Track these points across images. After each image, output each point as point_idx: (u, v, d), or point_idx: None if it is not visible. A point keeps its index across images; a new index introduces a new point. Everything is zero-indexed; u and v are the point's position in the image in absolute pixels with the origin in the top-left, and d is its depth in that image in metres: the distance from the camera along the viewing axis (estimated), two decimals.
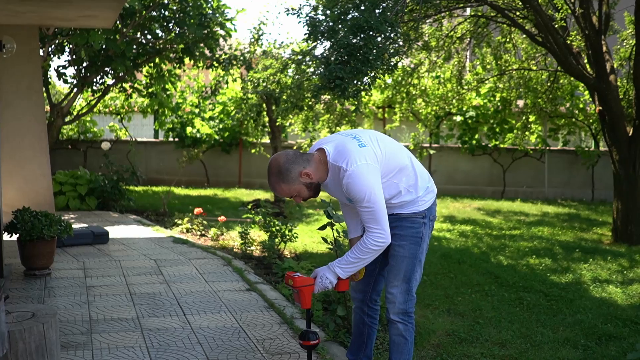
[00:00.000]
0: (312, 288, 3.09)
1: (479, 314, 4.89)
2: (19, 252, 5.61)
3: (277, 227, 6.41)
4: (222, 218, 7.86)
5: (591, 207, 11.89)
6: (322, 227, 4.22)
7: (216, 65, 11.29)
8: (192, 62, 11.17)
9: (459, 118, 13.38)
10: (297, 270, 5.26)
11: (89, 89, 11.37)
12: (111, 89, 11.60)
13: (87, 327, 4.22)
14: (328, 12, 6.61)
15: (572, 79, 10.75)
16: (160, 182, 13.55)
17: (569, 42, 8.46)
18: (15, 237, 5.57)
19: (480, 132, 13.53)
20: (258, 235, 7.35)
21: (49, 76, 11.63)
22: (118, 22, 9.61)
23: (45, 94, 11.25)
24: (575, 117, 12.89)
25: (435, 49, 9.83)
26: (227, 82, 12.19)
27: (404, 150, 3.19)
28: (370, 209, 2.93)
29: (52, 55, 10.75)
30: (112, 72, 10.96)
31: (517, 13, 8.61)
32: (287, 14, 7.14)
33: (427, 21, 9.22)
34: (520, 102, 12.76)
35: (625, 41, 9.74)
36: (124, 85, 11.77)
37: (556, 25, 8.05)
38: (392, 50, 6.39)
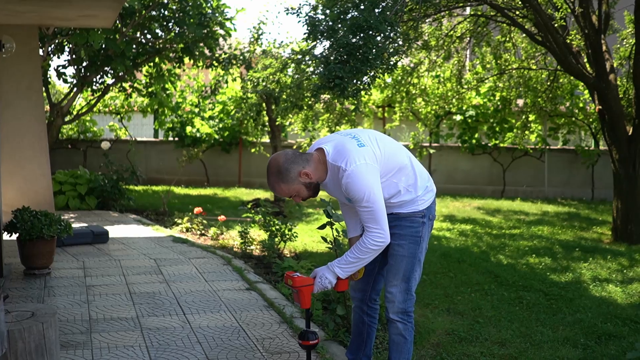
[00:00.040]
0: (312, 288, 3.09)
1: (478, 313, 4.89)
2: (19, 251, 5.61)
3: (277, 227, 6.41)
4: (221, 217, 7.86)
5: (591, 206, 11.89)
6: (322, 227, 4.22)
7: (216, 64, 11.29)
8: (191, 61, 11.17)
9: (458, 117, 13.38)
10: (297, 270, 5.26)
11: (89, 89, 11.37)
12: (111, 88, 11.60)
13: (87, 327, 4.22)
14: (327, 11, 6.61)
15: (571, 78, 10.75)
16: (160, 182, 13.56)
17: (568, 41, 8.46)
18: (15, 236, 5.57)
19: (480, 132, 13.53)
20: (258, 234, 7.35)
21: (48, 76, 11.63)
22: (118, 21, 9.61)
23: (45, 94, 11.25)
24: (575, 116, 12.89)
25: (435, 48, 9.82)
26: (226, 82, 12.19)
27: (403, 149, 3.19)
28: (370, 209, 2.93)
29: (51, 55, 10.75)
30: (112, 71, 10.96)
31: (517, 12, 8.61)
32: (287, 14, 7.14)
33: (427, 20, 9.22)
34: (520, 102, 12.76)
35: (625, 40, 9.73)
36: (123, 84, 11.77)
37: (556, 25, 8.05)
38: (391, 50, 6.39)
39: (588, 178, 13.32)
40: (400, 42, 6.88)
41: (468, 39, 10.11)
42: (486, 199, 12.63)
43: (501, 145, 13.30)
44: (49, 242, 5.57)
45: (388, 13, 6.20)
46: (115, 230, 7.82)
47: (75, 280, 5.45)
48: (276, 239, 6.40)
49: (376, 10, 6.20)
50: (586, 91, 11.20)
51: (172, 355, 3.75)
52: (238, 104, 12.09)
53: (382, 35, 6.19)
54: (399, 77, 10.76)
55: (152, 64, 11.29)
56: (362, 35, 6.00)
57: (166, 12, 10.45)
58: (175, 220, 8.51)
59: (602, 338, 4.40)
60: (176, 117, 13.88)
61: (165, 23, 10.52)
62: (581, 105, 12.83)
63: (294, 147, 12.89)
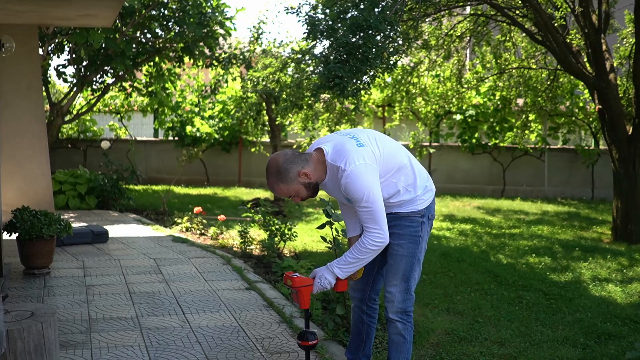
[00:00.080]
0: (311, 288, 3.09)
1: (478, 312, 4.89)
2: (19, 251, 5.61)
3: (277, 226, 6.41)
4: (221, 217, 7.86)
5: (591, 206, 11.89)
6: (321, 226, 4.22)
7: (216, 64, 11.29)
8: (191, 61, 11.17)
9: (458, 117, 13.38)
10: (297, 269, 5.26)
11: (89, 88, 11.36)
12: (111, 88, 11.59)
13: (86, 326, 4.22)
14: (327, 11, 6.61)
15: (571, 77, 10.75)
16: (160, 181, 13.56)
17: (568, 40, 8.46)
18: (14, 236, 5.57)
19: (480, 131, 13.53)
20: (257, 234, 7.35)
21: (48, 75, 11.63)
22: (118, 21, 9.60)
23: (44, 93, 11.25)
24: (575, 116, 12.89)
25: (435, 48, 9.82)
26: (226, 81, 12.19)
27: (402, 149, 3.18)
28: (369, 209, 2.93)
29: (51, 55, 10.75)
30: (112, 71, 10.96)
31: (517, 12, 8.60)
32: (287, 13, 7.14)
33: (427, 20, 9.22)
34: (520, 101, 12.76)
35: (625, 40, 9.73)
36: (123, 84, 11.76)
37: (556, 24, 8.04)
38: (391, 49, 6.39)
39: (588, 177, 13.32)
40: (400, 42, 6.88)
41: (468, 38, 10.10)
42: (486, 199, 12.63)
43: (501, 144, 13.30)
44: (48, 242, 5.57)
45: (388, 12, 6.20)
46: (115, 230, 7.82)
47: (75, 280, 5.45)
48: (276, 239, 6.40)
49: (376, 10, 6.20)
50: (586, 90, 11.20)
51: (172, 355, 3.75)
52: (238, 103, 12.08)
53: (381, 34, 6.19)
54: (399, 77, 10.76)
55: (152, 63, 11.29)
56: (361, 34, 6.00)
57: (166, 12, 10.45)
58: (175, 219, 8.51)
59: (602, 338, 4.39)
60: (176, 116, 13.88)
61: (165, 22, 10.52)
62: (581, 104, 12.83)
63: (294, 146, 12.89)
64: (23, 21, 7.18)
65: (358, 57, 5.94)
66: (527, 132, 12.30)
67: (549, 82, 10.72)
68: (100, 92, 11.47)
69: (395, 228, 3.13)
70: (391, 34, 6.34)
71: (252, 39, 11.38)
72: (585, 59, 8.70)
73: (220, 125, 13.74)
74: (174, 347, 3.89)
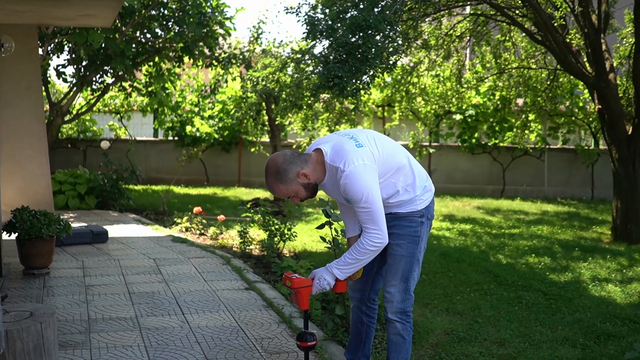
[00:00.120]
0: (310, 289, 3.09)
1: (477, 313, 4.89)
2: (18, 251, 5.61)
3: (276, 226, 6.41)
4: (221, 217, 7.86)
5: (591, 206, 11.89)
6: (321, 226, 4.22)
7: (215, 64, 11.29)
8: (191, 61, 11.17)
9: (458, 117, 13.38)
10: (296, 269, 5.26)
11: (89, 88, 11.37)
12: (111, 87, 11.59)
13: (86, 327, 4.22)
14: (327, 10, 6.61)
15: (571, 77, 10.75)
16: (160, 181, 13.56)
17: (568, 40, 8.46)
18: (14, 236, 5.57)
19: (479, 131, 13.53)
20: (257, 234, 7.35)
21: (48, 75, 11.63)
22: (117, 21, 9.60)
23: (44, 93, 11.25)
24: (574, 116, 12.89)
25: (435, 48, 9.82)
26: (226, 81, 12.19)
27: (401, 149, 3.18)
28: (368, 210, 2.93)
29: (51, 54, 10.75)
30: (112, 71, 10.96)
31: (517, 11, 8.60)
32: (287, 13, 7.14)
33: (426, 20, 9.22)
34: (520, 101, 12.76)
35: (624, 39, 9.73)
36: (123, 84, 11.76)
37: (555, 24, 8.04)
38: (391, 49, 6.39)
39: (588, 177, 13.32)
40: (400, 42, 6.88)
41: (468, 38, 10.10)
42: (486, 199, 12.63)
43: (501, 144, 13.30)
44: (48, 242, 5.57)
45: (387, 12, 6.20)
46: (115, 230, 7.82)
47: (74, 280, 5.45)
48: (275, 239, 6.40)
49: (375, 10, 6.20)
50: (586, 90, 11.19)
51: (171, 355, 3.75)
52: (238, 103, 12.08)
53: (381, 34, 6.19)
54: (399, 77, 10.75)
55: (151, 63, 11.29)
56: (361, 34, 5.99)
57: (166, 12, 10.45)
58: (175, 219, 8.51)
59: (601, 338, 4.39)
60: (176, 116, 13.88)
61: (164, 22, 10.51)
62: (581, 104, 12.83)
63: (294, 146, 12.90)
64: (23, 21, 7.18)
65: (357, 57, 5.94)
66: (526, 132, 12.30)
67: (548, 82, 10.72)
68: (100, 92, 11.47)
69: (394, 228, 3.13)
70: (391, 33, 6.34)
71: (252, 38, 11.38)
72: (585, 59, 8.70)
73: (220, 125, 13.74)
74: (173, 347, 3.89)
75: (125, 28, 9.73)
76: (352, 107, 7.08)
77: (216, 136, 13.70)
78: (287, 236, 6.38)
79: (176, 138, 13.95)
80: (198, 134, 13.67)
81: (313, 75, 7.51)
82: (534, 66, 10.54)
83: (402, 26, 7.38)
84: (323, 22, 6.48)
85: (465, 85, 11.32)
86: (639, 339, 4.37)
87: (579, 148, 13.00)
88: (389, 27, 6.14)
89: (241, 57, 11.20)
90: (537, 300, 5.26)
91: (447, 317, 4.77)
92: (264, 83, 9.29)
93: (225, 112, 13.73)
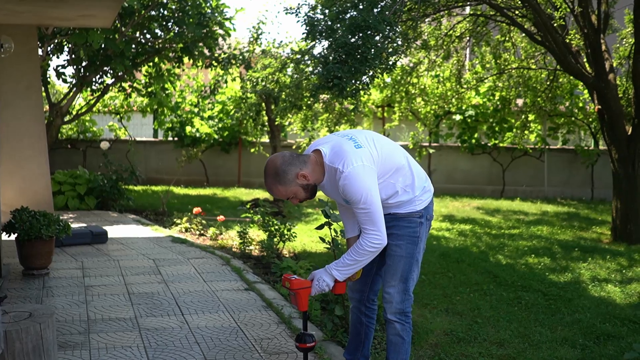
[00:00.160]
0: (309, 291, 3.09)
1: (477, 313, 4.89)
2: (18, 251, 5.61)
3: (276, 227, 6.41)
4: (221, 217, 7.86)
5: (590, 206, 11.89)
6: (320, 227, 4.22)
7: (215, 64, 11.29)
8: (191, 61, 11.17)
9: (458, 117, 13.38)
10: (296, 270, 5.26)
11: (88, 89, 11.37)
12: (110, 88, 11.59)
13: (85, 327, 4.22)
14: (326, 11, 6.61)
15: (571, 77, 10.75)
16: (160, 182, 13.55)
17: (568, 40, 8.46)
18: (13, 236, 5.57)
19: (479, 131, 13.53)
20: (257, 234, 7.35)
21: (48, 76, 11.63)
22: (117, 21, 9.60)
23: (44, 94, 11.25)
24: (574, 116, 12.89)
25: (434, 48, 9.82)
26: (226, 82, 12.19)
27: (400, 150, 3.18)
28: (367, 211, 2.93)
29: (51, 55, 10.75)
30: (111, 71, 10.96)
31: (516, 12, 8.60)
32: (286, 13, 7.14)
33: (426, 20, 9.22)
34: (520, 101, 12.76)
35: (624, 40, 9.73)
36: (123, 84, 11.77)
37: (555, 24, 8.04)
38: (390, 50, 6.39)
39: (587, 178, 13.32)
40: (399, 42, 6.88)
41: (467, 38, 10.10)
42: (486, 199, 12.63)
43: (501, 145, 13.30)
44: (47, 243, 5.57)
45: (387, 13, 6.20)
46: (114, 231, 7.82)
47: (74, 280, 5.45)
48: (275, 239, 6.40)
49: (375, 10, 6.21)
50: (586, 91, 11.20)
51: (170, 356, 3.75)
52: (237, 103, 12.08)
53: (380, 35, 6.19)
54: (398, 77, 10.76)
55: (151, 63, 11.29)
56: (360, 35, 6.00)
57: (165, 12, 10.45)
58: (175, 220, 8.50)
59: (601, 338, 4.39)
60: (176, 117, 13.88)
61: (164, 23, 10.52)
62: (581, 104, 12.84)
63: (294, 147, 12.90)
64: (22, 21, 7.18)
65: (357, 57, 5.94)
66: (526, 132, 12.30)
67: (548, 83, 10.72)
68: (99, 92, 11.47)
69: (393, 229, 3.13)
70: (390, 34, 6.34)
71: (252, 39, 11.38)
72: (585, 59, 8.70)
73: (220, 125, 13.74)
74: (173, 347, 3.89)
75: (125, 28, 9.73)
76: (352, 107, 7.08)
77: (216, 137, 13.70)
78: (286, 237, 6.38)
79: (176, 138, 13.95)
80: (198, 135, 13.67)
81: (313, 76, 7.51)
82: (533, 66, 10.54)
83: (402, 26, 7.38)
84: (322, 23, 6.48)
85: (465, 86, 11.32)
86: (639, 339, 4.37)
87: (579, 148, 13.00)
88: (388, 27, 6.14)
89: (241, 57, 11.20)
90: (537, 301, 5.26)
91: (447, 317, 4.76)
92: (263, 83, 9.29)
93: (225, 113, 13.73)
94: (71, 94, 11.48)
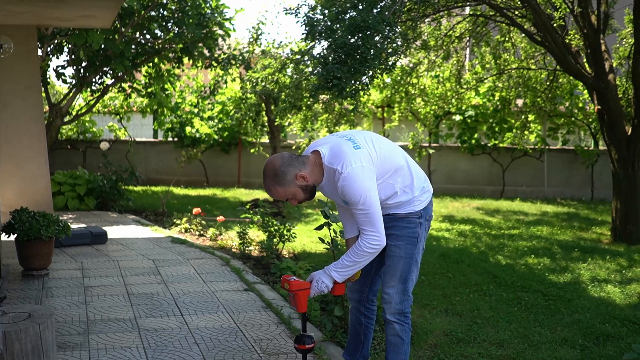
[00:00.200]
0: (308, 292, 3.09)
1: (476, 313, 4.88)
2: (17, 252, 5.61)
3: (276, 227, 6.41)
4: (220, 218, 7.86)
5: (590, 207, 11.89)
6: (319, 227, 4.21)
7: (215, 65, 11.29)
8: (191, 61, 11.17)
9: (458, 117, 13.38)
10: (295, 270, 5.26)
11: (88, 89, 11.37)
12: (110, 88, 11.59)
13: (85, 328, 4.22)
14: (326, 11, 6.61)
15: (571, 78, 10.75)
16: (159, 182, 13.55)
17: (567, 41, 8.46)
18: (13, 237, 5.57)
19: (479, 132, 13.53)
20: (256, 235, 7.35)
21: (47, 76, 11.63)
22: (117, 22, 9.60)
23: (44, 94, 11.25)
24: (574, 116, 12.89)
25: (434, 48, 9.82)
26: (226, 82, 12.19)
27: (399, 150, 3.18)
28: (366, 212, 2.93)
29: (50, 55, 10.75)
30: (111, 72, 10.96)
31: (516, 12, 8.60)
32: (286, 14, 7.13)
33: (426, 20, 9.22)
34: (520, 102, 12.76)
35: (624, 40, 9.73)
36: (123, 85, 11.77)
37: (555, 25, 8.05)
38: (390, 50, 6.39)
39: (587, 178, 13.32)
40: (399, 42, 6.87)
41: (467, 38, 10.11)
42: (485, 199, 12.63)
43: (500, 145, 13.30)
44: (47, 243, 5.57)
45: (386, 13, 6.20)
46: (114, 231, 7.82)
47: (74, 281, 5.45)
48: (275, 240, 6.40)
49: (374, 11, 6.21)
50: (585, 91, 11.19)
51: (170, 357, 3.75)
52: (237, 104, 12.08)
53: (380, 35, 6.19)
54: (398, 77, 10.76)
55: (151, 64, 11.29)
56: (360, 35, 5.99)
57: (165, 13, 10.45)
58: (174, 220, 8.50)
59: (600, 339, 4.39)
60: (175, 117, 13.88)
61: (164, 23, 10.52)
62: (580, 105, 12.84)
63: (293, 147, 12.90)
64: (22, 22, 7.18)
65: (357, 57, 5.94)
66: (526, 132, 12.30)
67: (548, 83, 10.72)
68: (99, 93, 11.47)
69: (392, 229, 3.13)
70: (390, 34, 6.33)
71: (251, 39, 11.38)
72: (585, 60, 8.70)
73: (220, 126, 13.74)
74: (172, 348, 3.88)
75: (124, 29, 9.73)
76: (352, 108, 7.08)
77: (216, 137, 13.69)
78: (286, 237, 6.38)
79: (176, 139, 13.95)
80: (197, 135, 13.67)
81: (312, 76, 7.51)
82: (533, 67, 10.54)
83: (401, 27, 7.38)
84: (322, 23, 6.48)
85: (465, 86, 11.32)
86: (638, 339, 4.37)
87: (579, 149, 13.00)
88: (388, 27, 6.14)
89: (240, 58, 11.20)
90: (537, 301, 5.26)
91: (446, 318, 4.76)
92: (263, 84, 9.29)
93: (225, 113, 13.73)
94: (71, 94, 11.48)
